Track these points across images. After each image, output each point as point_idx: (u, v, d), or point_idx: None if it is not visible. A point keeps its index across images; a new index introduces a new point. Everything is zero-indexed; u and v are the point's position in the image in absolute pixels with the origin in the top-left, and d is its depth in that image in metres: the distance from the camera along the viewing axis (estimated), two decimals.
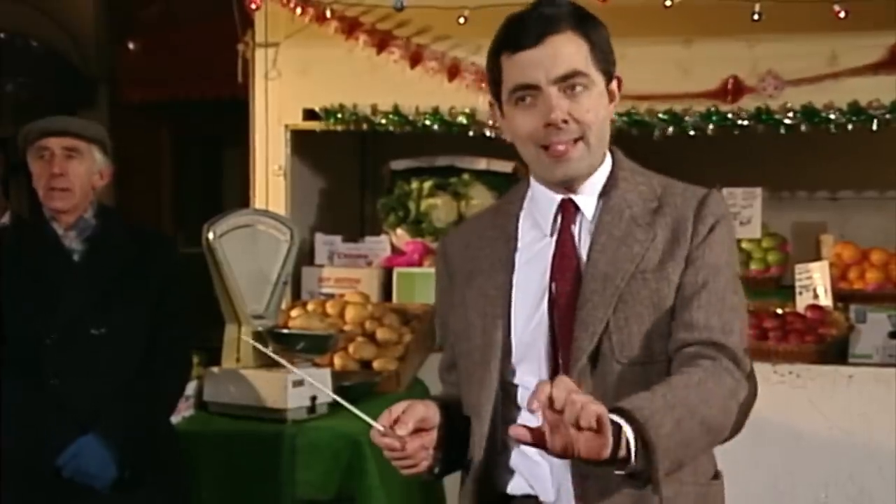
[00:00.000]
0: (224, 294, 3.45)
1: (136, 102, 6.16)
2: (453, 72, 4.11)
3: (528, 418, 1.70)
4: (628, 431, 1.55)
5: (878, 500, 3.61)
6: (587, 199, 1.85)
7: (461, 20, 3.96)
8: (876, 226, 4.48)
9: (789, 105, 3.89)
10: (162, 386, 2.95)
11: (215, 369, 3.46)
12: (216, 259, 3.41)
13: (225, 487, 3.27)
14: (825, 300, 3.94)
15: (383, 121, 4.21)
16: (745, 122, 3.92)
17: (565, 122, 1.76)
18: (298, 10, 4.16)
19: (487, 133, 4.11)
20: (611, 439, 1.52)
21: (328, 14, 4.15)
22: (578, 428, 1.50)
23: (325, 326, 3.90)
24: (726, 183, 4.18)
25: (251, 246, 3.53)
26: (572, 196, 1.85)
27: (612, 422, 1.53)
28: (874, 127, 3.83)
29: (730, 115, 3.93)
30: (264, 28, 4.29)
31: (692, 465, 1.76)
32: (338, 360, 3.84)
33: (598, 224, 1.82)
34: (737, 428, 1.77)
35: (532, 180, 1.90)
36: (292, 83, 4.30)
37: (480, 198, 4.37)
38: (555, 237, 1.84)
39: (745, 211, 4.16)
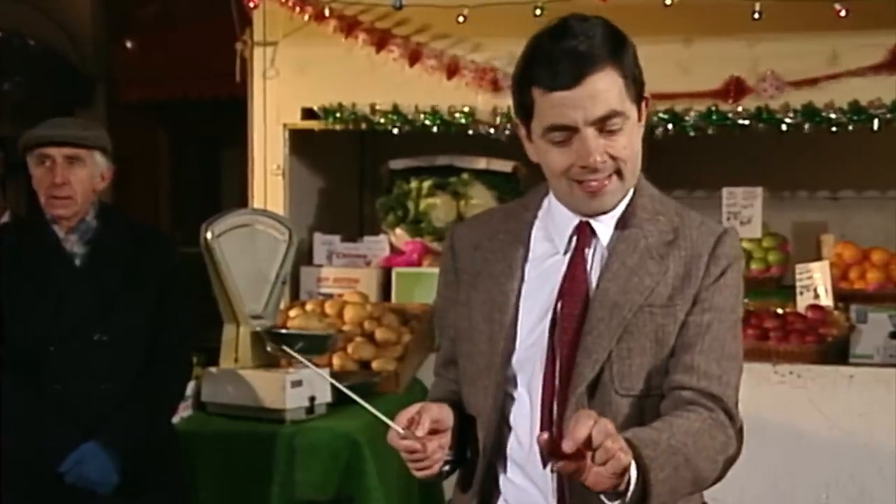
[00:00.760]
0: (222, 294, 3.44)
1: (133, 102, 6.15)
2: (452, 70, 4.10)
3: (517, 441, 1.79)
4: (632, 469, 1.56)
5: (878, 501, 3.61)
6: (605, 224, 1.82)
7: (460, 19, 3.96)
8: (877, 225, 4.48)
9: (790, 105, 3.88)
10: (163, 389, 2.94)
11: (213, 369, 3.46)
12: (214, 259, 3.40)
13: (223, 488, 3.27)
14: (826, 300, 3.94)
15: (382, 120, 4.20)
16: (746, 122, 3.91)
17: (603, 162, 1.74)
18: (297, 9, 4.15)
19: (487, 132, 4.10)
20: (620, 480, 1.55)
21: (327, 13, 4.14)
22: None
23: (324, 326, 3.89)
24: (727, 182, 4.21)
25: (249, 246, 3.53)
26: (591, 220, 1.83)
27: None
28: (875, 127, 3.82)
29: (730, 115, 3.92)
30: (262, 27, 4.29)
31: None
32: (336, 361, 3.83)
33: (612, 251, 1.80)
34: (716, 481, 1.77)
35: (551, 194, 1.87)
36: (291, 82, 4.29)
37: (480, 197, 4.36)
38: (568, 256, 1.82)
39: (745, 211, 4.16)
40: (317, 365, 3.54)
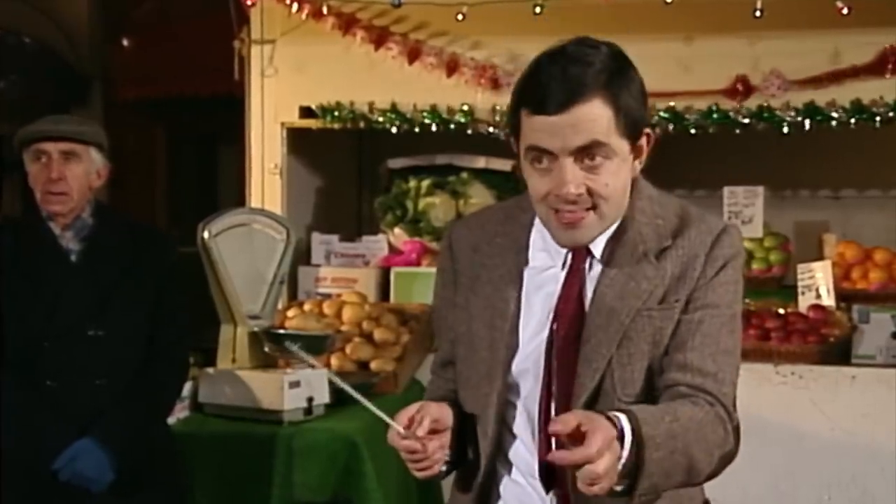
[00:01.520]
0: (219, 294, 3.43)
1: (130, 100, 6.13)
2: (452, 68, 4.09)
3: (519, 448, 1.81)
4: (627, 437, 1.57)
5: (880, 502, 3.60)
6: (600, 241, 1.79)
7: (459, 16, 3.95)
8: (879, 225, 4.47)
9: (791, 103, 3.87)
10: (160, 388, 2.94)
11: (211, 370, 3.45)
12: (211, 258, 3.39)
13: (221, 490, 3.26)
14: (828, 300, 3.94)
15: (381, 118, 4.19)
16: (747, 121, 3.90)
17: (579, 194, 1.70)
18: (295, 7, 4.14)
19: (486, 131, 4.08)
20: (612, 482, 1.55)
21: (325, 10, 4.13)
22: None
23: (322, 327, 3.88)
24: (728, 181, 4.20)
25: (247, 245, 3.52)
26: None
27: (616, 426, 1.56)
28: (877, 125, 3.81)
29: (731, 114, 3.91)
30: (260, 25, 4.28)
31: (686, 491, 1.77)
32: (335, 361, 3.82)
33: (609, 257, 1.78)
34: (710, 477, 1.75)
35: None
36: (289, 80, 4.28)
37: (479, 196, 4.34)
38: (564, 273, 1.80)
39: (746, 210, 4.15)
40: (315, 366, 3.54)
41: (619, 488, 1.59)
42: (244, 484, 3.24)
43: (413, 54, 4.12)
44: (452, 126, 4.13)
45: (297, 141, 4.39)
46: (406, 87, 4.15)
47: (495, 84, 4.05)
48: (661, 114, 3.90)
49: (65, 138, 2.85)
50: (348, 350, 3.85)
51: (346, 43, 4.16)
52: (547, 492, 1.78)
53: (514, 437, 1.83)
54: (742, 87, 3.90)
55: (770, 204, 4.26)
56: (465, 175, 4.42)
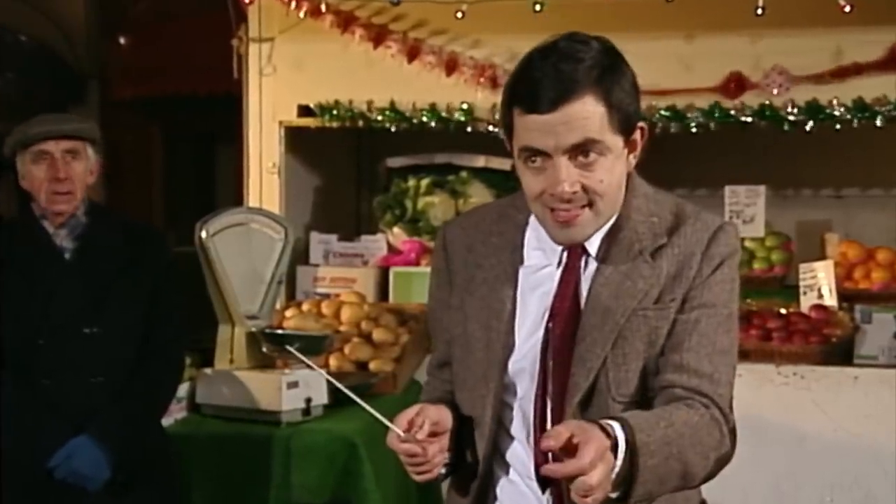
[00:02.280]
0: (217, 294, 3.42)
1: (127, 99, 6.12)
2: (451, 67, 4.08)
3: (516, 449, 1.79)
4: (621, 446, 1.56)
5: (882, 503, 3.58)
6: (596, 239, 1.78)
7: (459, 14, 3.94)
8: (881, 224, 4.46)
9: (793, 101, 3.86)
10: (156, 386, 2.94)
11: (208, 371, 3.44)
12: (209, 258, 3.38)
13: (218, 491, 3.25)
14: (830, 300, 3.93)
15: (380, 117, 4.18)
16: (749, 119, 3.89)
17: (574, 192, 1.69)
18: (293, 5, 4.13)
19: (485, 129, 4.07)
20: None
21: (323, 8, 4.12)
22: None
23: (321, 327, 3.87)
24: (729, 180, 4.19)
25: (245, 245, 3.51)
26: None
27: (609, 435, 1.55)
28: (879, 124, 3.80)
29: (733, 112, 3.90)
30: (258, 23, 4.27)
31: (682, 493, 1.75)
32: (333, 362, 3.81)
33: (604, 256, 1.77)
34: (706, 479, 1.74)
35: None
36: (287, 79, 4.27)
37: (479, 196, 4.34)
38: (559, 272, 1.79)
39: (748, 209, 4.14)
40: (312, 368, 3.52)
41: (613, 495, 1.57)
42: (242, 485, 3.24)
43: (412, 53, 4.11)
44: (452, 125, 4.13)
45: (296, 140, 4.38)
46: (405, 85, 4.13)
47: (495, 83, 4.04)
48: (662, 112, 3.89)
49: (67, 137, 2.85)
50: (347, 350, 3.84)
51: (344, 41, 4.15)
52: (543, 492, 1.77)
53: (511, 438, 1.81)
54: (741, 85, 3.88)
55: (772, 203, 4.26)
56: (464, 174, 4.41)
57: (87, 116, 4.63)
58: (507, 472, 1.83)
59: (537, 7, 3.75)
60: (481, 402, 1.80)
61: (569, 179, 1.67)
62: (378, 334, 3.90)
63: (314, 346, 3.46)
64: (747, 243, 4.24)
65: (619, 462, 1.55)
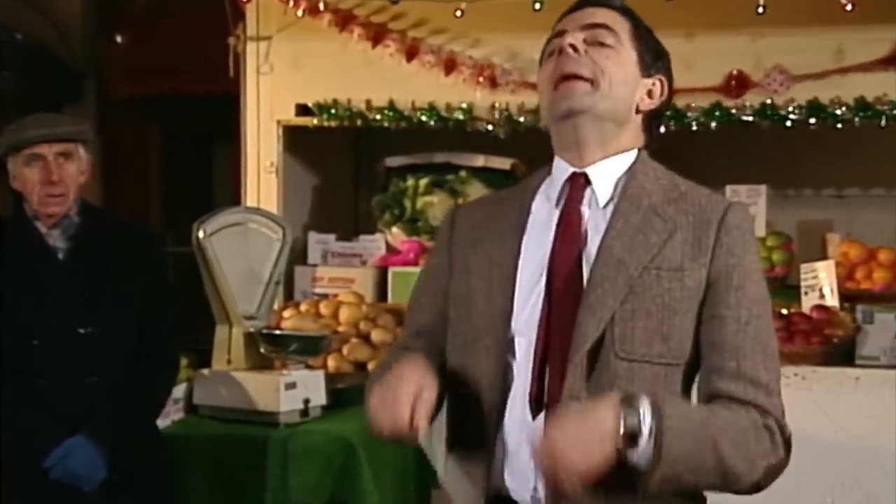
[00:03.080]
0: (215, 294, 3.41)
1: (124, 97, 6.10)
2: (450, 66, 4.09)
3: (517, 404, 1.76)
4: (645, 429, 1.57)
5: None
6: (601, 177, 1.79)
7: (458, 13, 3.94)
8: (883, 224, 4.46)
9: (794, 100, 3.86)
10: (151, 386, 2.94)
11: (206, 371, 3.43)
12: (206, 258, 3.37)
13: (216, 492, 3.23)
14: (831, 300, 3.92)
15: (378, 116, 4.19)
16: (749, 118, 3.90)
17: (575, 50, 1.75)
18: (291, 3, 4.14)
19: (485, 129, 4.06)
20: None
21: (321, 7, 4.14)
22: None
23: (319, 327, 3.88)
24: (730, 180, 4.18)
25: (242, 245, 3.50)
26: (585, 169, 1.79)
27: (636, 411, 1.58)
28: (881, 123, 3.80)
29: (733, 111, 3.91)
30: (256, 21, 4.29)
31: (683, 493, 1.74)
32: (331, 362, 3.82)
33: (615, 209, 1.77)
34: (757, 488, 1.74)
35: (556, 157, 1.85)
36: (285, 78, 4.28)
37: (478, 195, 4.29)
38: (560, 208, 1.79)
39: (749, 209, 4.11)
40: (311, 367, 3.51)
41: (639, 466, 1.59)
42: (240, 486, 3.22)
43: (411, 52, 4.11)
44: (451, 124, 4.14)
45: (294, 139, 4.38)
46: (404, 84, 4.14)
47: (494, 82, 4.04)
48: None
49: (60, 139, 2.85)
50: (345, 351, 3.84)
51: (343, 40, 4.16)
52: (534, 418, 1.73)
53: (511, 393, 1.76)
54: (742, 84, 3.88)
55: (773, 203, 4.25)
56: (463, 173, 4.41)
57: (83, 115, 4.63)
58: (506, 429, 1.77)
59: (537, 6, 3.75)
60: (486, 353, 1.77)
61: (575, 39, 1.76)
62: (377, 335, 3.90)
63: (312, 347, 3.45)
64: None
65: (644, 443, 1.57)
